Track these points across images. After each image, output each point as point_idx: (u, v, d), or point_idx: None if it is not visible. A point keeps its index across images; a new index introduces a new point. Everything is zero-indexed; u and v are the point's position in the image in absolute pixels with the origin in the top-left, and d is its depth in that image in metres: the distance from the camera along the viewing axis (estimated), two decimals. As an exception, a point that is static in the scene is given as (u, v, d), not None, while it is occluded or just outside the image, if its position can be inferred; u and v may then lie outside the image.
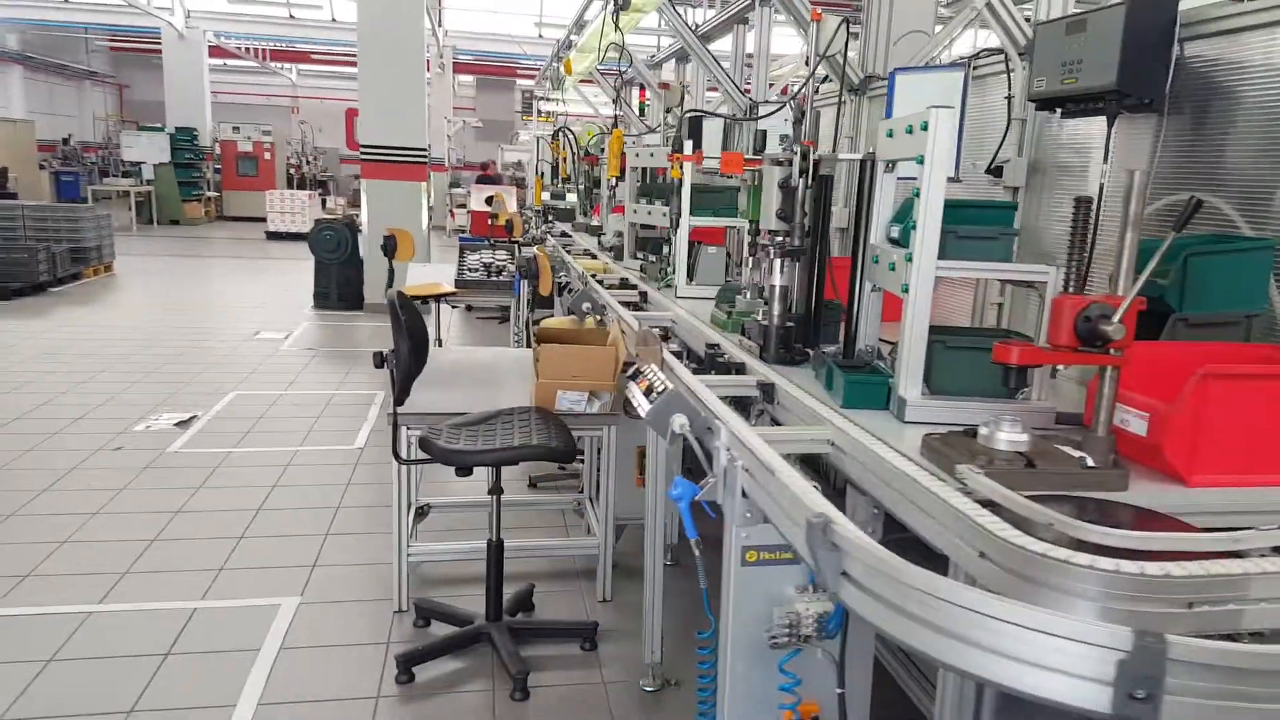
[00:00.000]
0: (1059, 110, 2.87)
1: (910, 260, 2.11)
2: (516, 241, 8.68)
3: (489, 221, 10.97)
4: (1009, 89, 3.41)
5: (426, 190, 11.41)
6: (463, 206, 21.19)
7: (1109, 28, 2.51)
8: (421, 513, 4.54)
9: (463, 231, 15.14)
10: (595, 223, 8.77)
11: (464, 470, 3.27)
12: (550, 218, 9.69)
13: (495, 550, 3.55)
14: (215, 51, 24.68)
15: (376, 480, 5.32)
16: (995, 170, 3.46)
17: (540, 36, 23.58)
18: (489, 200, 11.99)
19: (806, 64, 5.54)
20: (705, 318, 3.52)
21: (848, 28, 3.64)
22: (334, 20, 23.37)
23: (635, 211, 5.33)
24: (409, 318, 3.23)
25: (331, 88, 32.91)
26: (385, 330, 9.38)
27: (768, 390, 2.55)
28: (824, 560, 1.44)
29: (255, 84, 32.87)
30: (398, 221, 10.94)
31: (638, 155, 5.67)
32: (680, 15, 6.69)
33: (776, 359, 2.78)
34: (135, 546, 4.34)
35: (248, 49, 26.47)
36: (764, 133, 3.45)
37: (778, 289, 2.77)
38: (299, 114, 30.95)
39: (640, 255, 5.47)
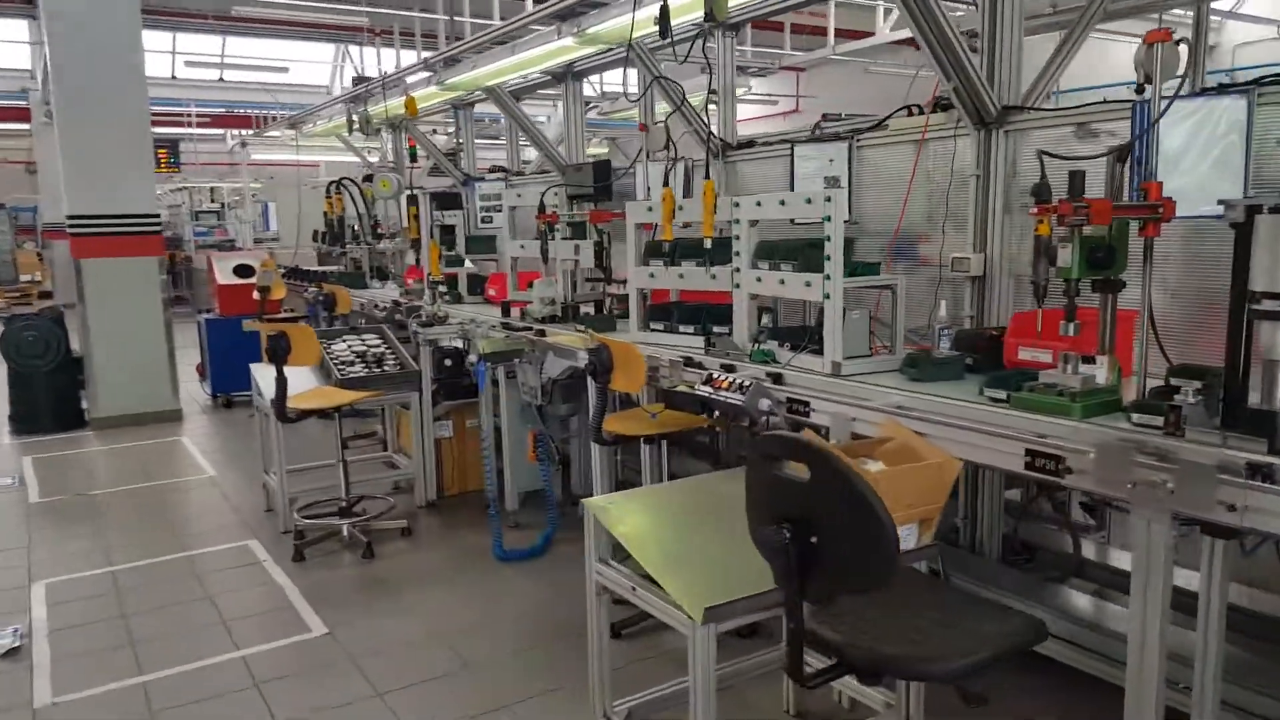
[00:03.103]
0: None
1: None
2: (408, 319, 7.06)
3: (259, 294, 9.04)
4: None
5: (164, 266, 9.16)
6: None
7: None
8: None
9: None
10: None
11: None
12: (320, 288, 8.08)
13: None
14: None
15: None
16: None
17: (174, 78, 20.58)
18: (240, 270, 9.95)
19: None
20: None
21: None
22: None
23: (756, 278, 4.24)
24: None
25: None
26: (135, 452, 7.79)
27: None
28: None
29: None
30: (132, 307, 8.76)
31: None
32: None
33: None
34: None
35: None
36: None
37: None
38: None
39: (680, 328, 4.42)
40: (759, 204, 3.98)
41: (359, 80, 8.63)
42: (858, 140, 4.51)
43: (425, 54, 7.60)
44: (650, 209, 4.66)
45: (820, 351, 3.61)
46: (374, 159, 15.12)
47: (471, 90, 6.78)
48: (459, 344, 6.08)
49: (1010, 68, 3.76)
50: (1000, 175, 3.81)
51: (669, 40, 4.07)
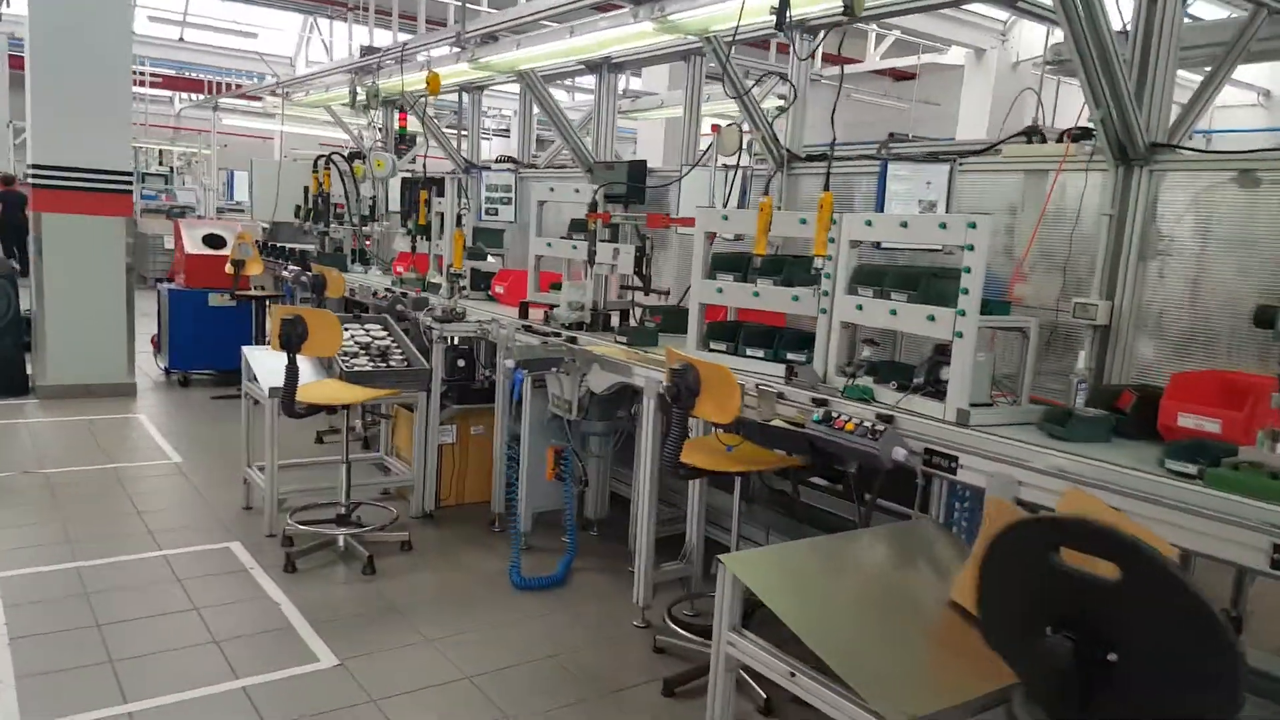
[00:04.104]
0: None
1: None
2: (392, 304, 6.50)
3: (232, 268, 8.40)
4: None
5: (130, 229, 8.46)
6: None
7: None
8: None
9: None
10: (433, 280, 6.90)
11: None
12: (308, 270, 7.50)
13: None
14: None
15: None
16: None
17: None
18: (210, 240, 9.28)
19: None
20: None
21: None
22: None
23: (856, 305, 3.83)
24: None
25: None
26: (87, 427, 7.17)
27: None
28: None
29: None
30: (92, 270, 8.06)
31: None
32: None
33: None
34: None
35: None
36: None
37: None
38: None
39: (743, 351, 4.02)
40: (869, 224, 3.59)
41: (367, 51, 8.06)
42: (960, 164, 4.15)
43: (440, 28, 7.10)
44: (726, 218, 4.26)
45: (933, 394, 3.24)
46: (366, 136, 14.55)
47: (505, 72, 6.29)
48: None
49: (1160, 102, 3.44)
50: (1139, 217, 3.48)
51: (782, 29, 3.65)
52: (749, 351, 4.15)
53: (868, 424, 2.97)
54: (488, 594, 4.53)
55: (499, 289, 6.63)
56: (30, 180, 8.03)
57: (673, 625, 3.95)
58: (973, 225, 3.10)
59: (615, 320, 5.33)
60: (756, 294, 4.09)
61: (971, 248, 3.10)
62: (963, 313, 3.12)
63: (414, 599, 4.39)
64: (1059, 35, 3.44)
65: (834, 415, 3.08)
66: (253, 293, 8.70)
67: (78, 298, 8.06)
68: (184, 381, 9.07)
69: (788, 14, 3.56)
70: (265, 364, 5.27)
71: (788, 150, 4.98)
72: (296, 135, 20.89)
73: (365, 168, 8.95)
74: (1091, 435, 2.97)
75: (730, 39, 4.42)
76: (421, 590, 4.52)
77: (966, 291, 3.11)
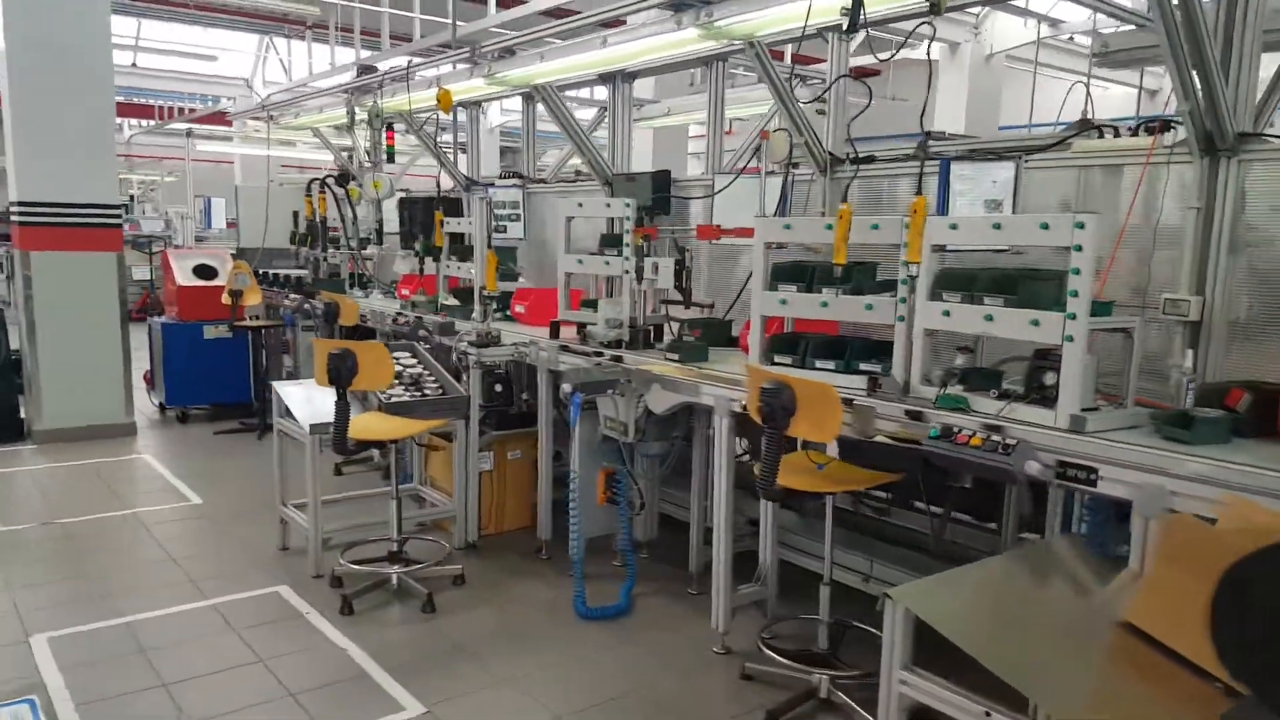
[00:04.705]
0: None
1: None
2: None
3: (228, 300, 8.14)
4: None
5: (122, 264, 8.18)
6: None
7: None
8: None
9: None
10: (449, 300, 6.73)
11: None
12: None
13: None
14: None
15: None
16: None
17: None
18: (200, 271, 9.01)
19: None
20: None
21: None
22: None
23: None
24: None
25: None
26: (94, 472, 6.91)
27: None
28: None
29: None
30: (86, 308, 7.80)
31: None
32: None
33: None
34: None
35: None
36: None
37: None
38: None
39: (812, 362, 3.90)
40: (954, 226, 3.50)
41: (364, 70, 7.88)
42: (1025, 160, 4.09)
43: (421, 46, 6.96)
44: (788, 226, 4.16)
45: (1038, 401, 3.16)
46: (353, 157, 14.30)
47: (520, 86, 6.15)
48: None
49: (1245, 89, 3.39)
50: (1228, 210, 3.42)
51: (855, 30, 3.56)
52: (818, 364, 4.04)
53: (995, 438, 2.87)
54: (552, 626, 4.38)
55: (519, 309, 6.47)
56: (14, 218, 7.74)
57: (768, 652, 3.82)
58: (1080, 225, 3.02)
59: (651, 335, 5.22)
60: (825, 304, 3.98)
61: (1080, 248, 3.02)
62: (1073, 316, 3.04)
63: (479, 636, 4.23)
64: (1033, 30, 3.38)
65: (955, 430, 2.98)
66: (251, 323, 8.46)
67: (71, 337, 7.80)
68: (182, 417, 8.81)
69: (861, 13, 3.47)
70: (297, 398, 5.09)
71: (830, 154, 4.89)
72: (257, 158, 20.55)
73: (359, 189, 8.77)
74: (1214, 437, 2.90)
75: (796, 38, 4.29)
76: (484, 626, 4.36)
77: (1076, 294, 3.03)
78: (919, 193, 4.69)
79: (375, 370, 4.29)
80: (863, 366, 3.92)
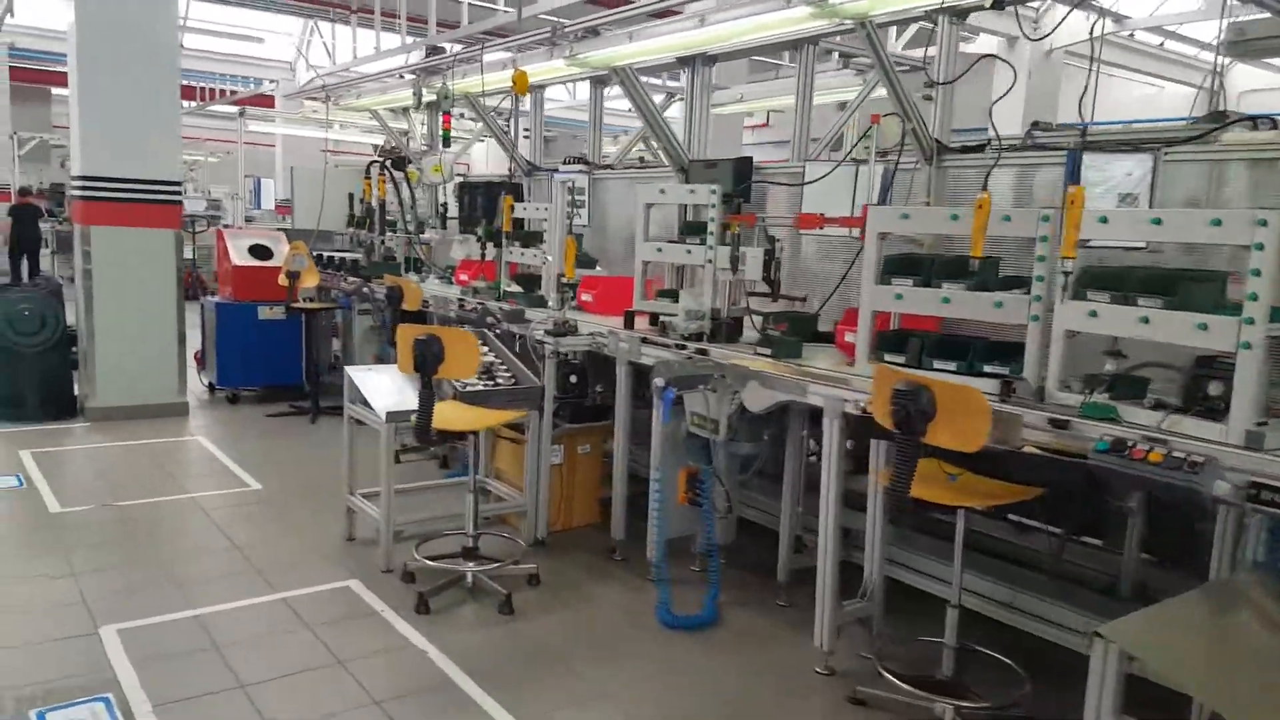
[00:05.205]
0: None
1: None
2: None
3: (285, 281, 7.98)
4: None
5: (180, 242, 8.03)
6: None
7: None
8: None
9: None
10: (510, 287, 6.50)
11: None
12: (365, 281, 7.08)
13: None
14: None
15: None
16: None
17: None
18: (256, 251, 8.86)
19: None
20: None
21: None
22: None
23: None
24: None
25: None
26: (149, 452, 6.77)
27: None
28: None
29: None
30: (143, 285, 7.66)
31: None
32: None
33: None
34: None
35: None
36: None
37: None
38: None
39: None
40: (1104, 220, 3.23)
41: (432, 50, 7.68)
42: (1164, 153, 3.81)
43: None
44: (906, 216, 3.90)
45: (1202, 413, 2.89)
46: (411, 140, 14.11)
47: (602, 68, 5.91)
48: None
49: None
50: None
51: (1001, 7, 3.30)
52: (936, 364, 3.78)
53: (1177, 454, 2.60)
54: (635, 634, 4.16)
55: (585, 297, 6.24)
56: (76, 193, 7.62)
57: (886, 675, 3.56)
58: (1263, 222, 2.74)
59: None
60: (947, 300, 3.72)
61: (1261, 246, 2.74)
62: (1250, 320, 2.77)
63: (562, 643, 4.02)
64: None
65: (1129, 444, 2.71)
66: (306, 305, 8.29)
67: (128, 315, 7.67)
68: (233, 398, 8.66)
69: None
70: (371, 385, 4.90)
71: (937, 141, 4.63)
72: (299, 139, 20.45)
73: (419, 172, 8.58)
74: None
75: (912, 18, 4.02)
76: (565, 631, 4.14)
77: (1256, 297, 2.76)
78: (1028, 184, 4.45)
79: (462, 358, 4.08)
80: (986, 368, 3.67)
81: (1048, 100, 11.55)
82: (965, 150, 4.58)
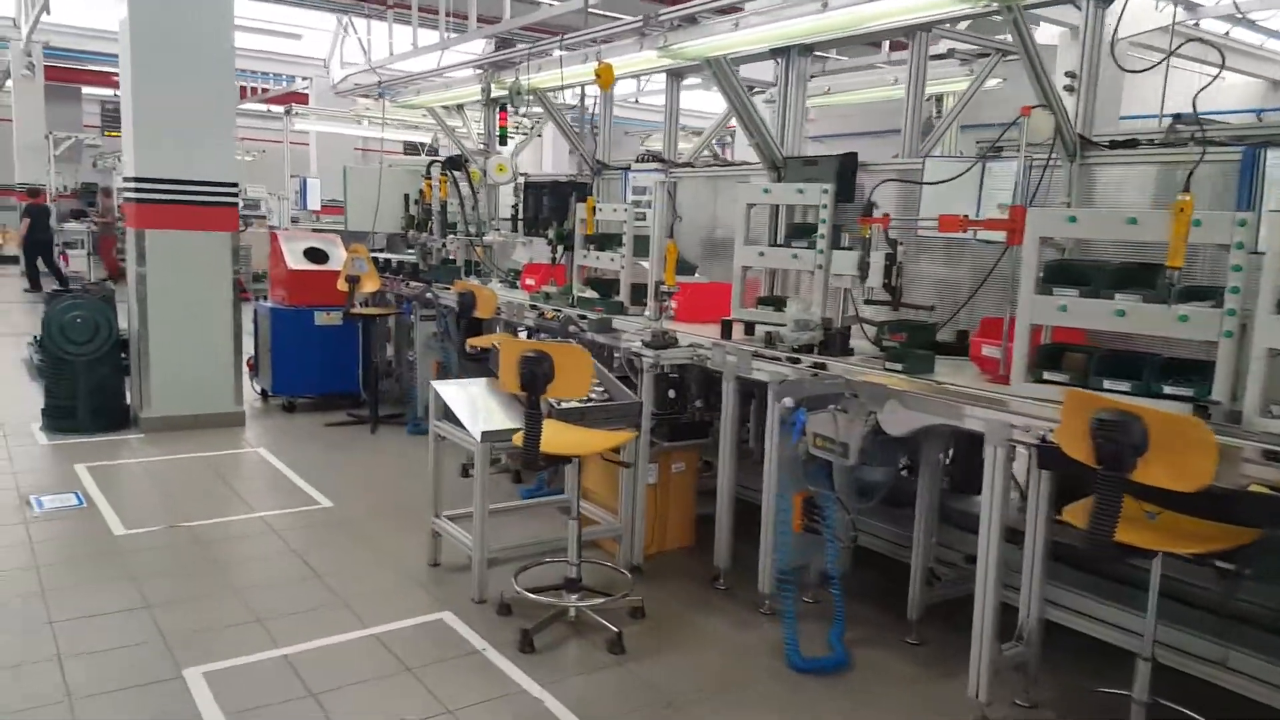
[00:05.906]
0: None
1: None
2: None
3: (346, 285, 7.65)
4: None
5: (236, 245, 7.73)
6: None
7: None
8: None
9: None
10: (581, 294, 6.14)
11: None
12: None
13: None
14: None
15: None
16: None
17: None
18: (313, 254, 8.56)
19: None
20: None
21: None
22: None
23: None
24: None
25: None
26: (209, 466, 6.48)
27: None
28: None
29: None
30: (199, 290, 7.37)
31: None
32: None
33: None
34: None
35: None
36: None
37: None
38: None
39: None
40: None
41: (502, 44, 7.34)
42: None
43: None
44: (1073, 220, 3.50)
45: None
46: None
47: (697, 59, 5.53)
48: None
49: None
50: None
51: None
52: (1105, 384, 3.39)
53: None
54: (759, 677, 3.78)
55: (672, 304, 5.86)
56: (130, 195, 7.33)
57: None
58: None
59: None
60: (1121, 313, 3.32)
61: None
62: None
63: (686, 690, 3.65)
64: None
65: None
66: (365, 311, 7.98)
67: (183, 320, 7.38)
68: (289, 407, 8.35)
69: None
70: (460, 401, 4.55)
71: (1081, 136, 4.22)
72: (334, 137, 20.19)
73: (482, 173, 8.25)
74: None
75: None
76: (685, 675, 3.77)
77: None
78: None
79: (573, 377, 3.71)
80: (1166, 389, 3.28)
81: (1111, 93, 11.07)
82: (1114, 146, 4.16)
